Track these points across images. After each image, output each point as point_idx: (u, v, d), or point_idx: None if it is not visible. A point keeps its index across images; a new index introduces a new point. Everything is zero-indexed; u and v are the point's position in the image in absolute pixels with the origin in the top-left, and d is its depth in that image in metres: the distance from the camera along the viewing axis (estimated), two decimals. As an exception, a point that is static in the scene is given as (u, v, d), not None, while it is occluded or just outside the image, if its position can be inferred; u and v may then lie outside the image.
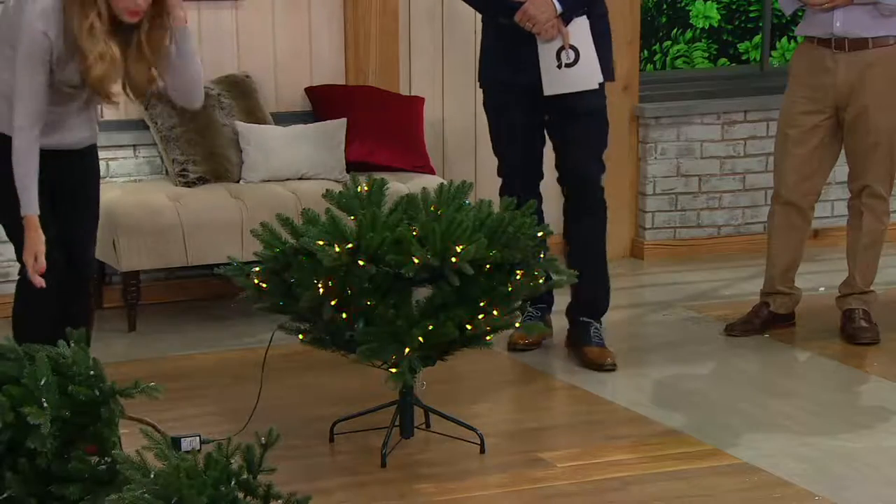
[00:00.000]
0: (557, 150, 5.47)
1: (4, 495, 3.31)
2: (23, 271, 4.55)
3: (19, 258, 4.57)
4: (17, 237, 4.54)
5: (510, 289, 4.37)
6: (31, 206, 4.36)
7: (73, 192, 4.57)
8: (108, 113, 5.86)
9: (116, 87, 4.44)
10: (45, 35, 4.27)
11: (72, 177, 4.57)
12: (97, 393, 3.37)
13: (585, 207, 5.46)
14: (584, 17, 5.24)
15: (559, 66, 5.23)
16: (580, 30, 5.23)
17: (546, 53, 5.24)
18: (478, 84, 5.58)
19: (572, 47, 5.22)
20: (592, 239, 5.49)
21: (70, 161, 4.55)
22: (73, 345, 3.49)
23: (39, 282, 4.36)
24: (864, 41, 5.57)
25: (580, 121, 5.35)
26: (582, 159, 5.41)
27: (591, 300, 5.52)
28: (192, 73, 4.50)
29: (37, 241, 4.37)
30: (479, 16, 5.71)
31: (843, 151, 5.75)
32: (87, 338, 3.72)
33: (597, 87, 5.29)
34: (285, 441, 3.32)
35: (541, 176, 5.52)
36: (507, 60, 5.33)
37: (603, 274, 5.54)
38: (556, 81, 5.25)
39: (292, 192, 5.99)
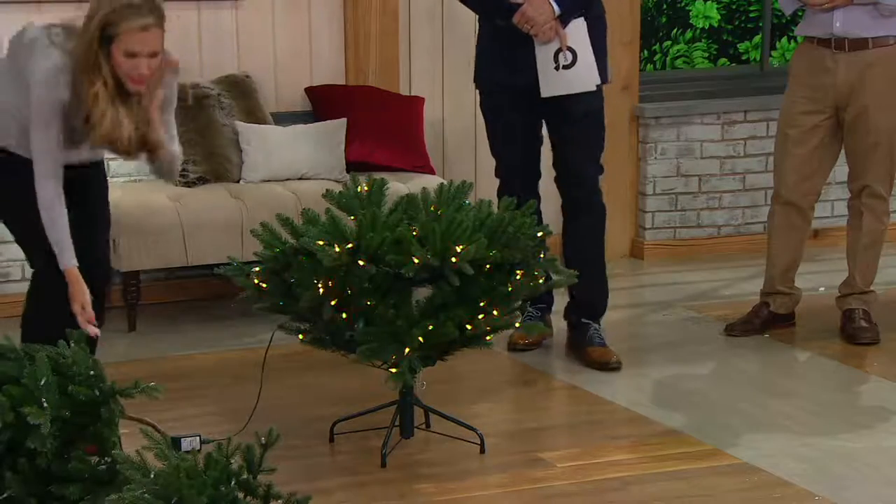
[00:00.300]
0: (555, 150, 5.46)
1: (4, 495, 3.31)
2: (34, 275, 4.57)
3: (28, 259, 4.60)
4: (23, 241, 4.56)
5: (510, 289, 4.37)
6: (68, 259, 4.36)
7: (83, 197, 4.57)
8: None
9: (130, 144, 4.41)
10: (54, 95, 4.28)
11: (82, 185, 4.56)
12: (97, 393, 3.37)
13: (582, 208, 5.46)
14: (582, 18, 5.23)
15: (556, 68, 5.22)
16: (578, 32, 5.22)
17: (543, 55, 5.23)
18: (474, 85, 5.59)
19: (570, 49, 5.21)
20: (590, 239, 5.48)
21: (82, 172, 4.55)
22: (73, 345, 3.49)
23: (94, 331, 4.34)
24: (864, 41, 5.57)
25: (577, 122, 5.34)
26: (579, 161, 5.40)
27: (589, 302, 5.51)
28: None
29: (81, 291, 4.37)
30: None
31: (843, 151, 5.75)
32: (93, 342, 3.72)
33: (594, 88, 5.29)
34: (285, 441, 3.32)
35: (539, 175, 5.52)
36: (504, 62, 5.32)
37: (601, 275, 5.52)
38: (553, 83, 5.24)
39: (292, 192, 5.99)
